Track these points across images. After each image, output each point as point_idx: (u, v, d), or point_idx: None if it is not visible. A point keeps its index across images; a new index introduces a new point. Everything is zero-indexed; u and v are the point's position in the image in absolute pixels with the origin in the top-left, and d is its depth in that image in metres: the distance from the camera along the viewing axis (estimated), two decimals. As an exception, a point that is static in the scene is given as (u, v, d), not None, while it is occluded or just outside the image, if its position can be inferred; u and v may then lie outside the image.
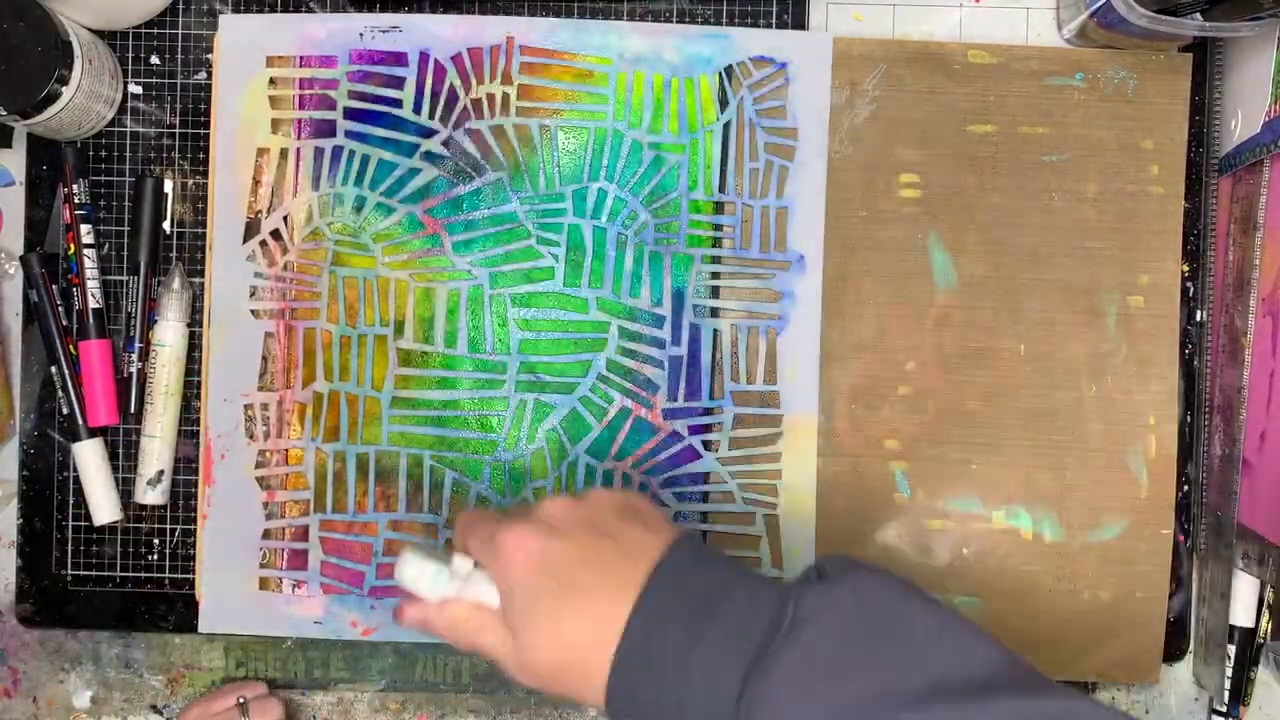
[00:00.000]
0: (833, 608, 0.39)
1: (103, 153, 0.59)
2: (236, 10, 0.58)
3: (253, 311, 0.58)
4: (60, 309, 0.58)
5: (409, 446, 0.58)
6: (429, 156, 0.58)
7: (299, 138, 0.58)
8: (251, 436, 0.58)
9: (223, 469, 0.58)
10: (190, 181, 0.59)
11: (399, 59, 0.58)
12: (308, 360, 0.58)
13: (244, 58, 0.58)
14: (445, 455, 0.58)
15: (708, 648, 0.40)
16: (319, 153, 0.58)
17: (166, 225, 0.59)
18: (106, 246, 0.59)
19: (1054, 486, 0.58)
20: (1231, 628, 0.57)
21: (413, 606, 0.46)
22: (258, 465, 0.58)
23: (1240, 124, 0.57)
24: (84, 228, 0.57)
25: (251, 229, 0.58)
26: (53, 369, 0.58)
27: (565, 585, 0.42)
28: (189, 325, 0.58)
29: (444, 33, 0.58)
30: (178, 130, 0.59)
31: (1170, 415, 0.59)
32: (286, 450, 0.58)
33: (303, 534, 0.58)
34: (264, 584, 0.58)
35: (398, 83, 0.58)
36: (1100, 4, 0.53)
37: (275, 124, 0.58)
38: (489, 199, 0.58)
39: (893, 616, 0.39)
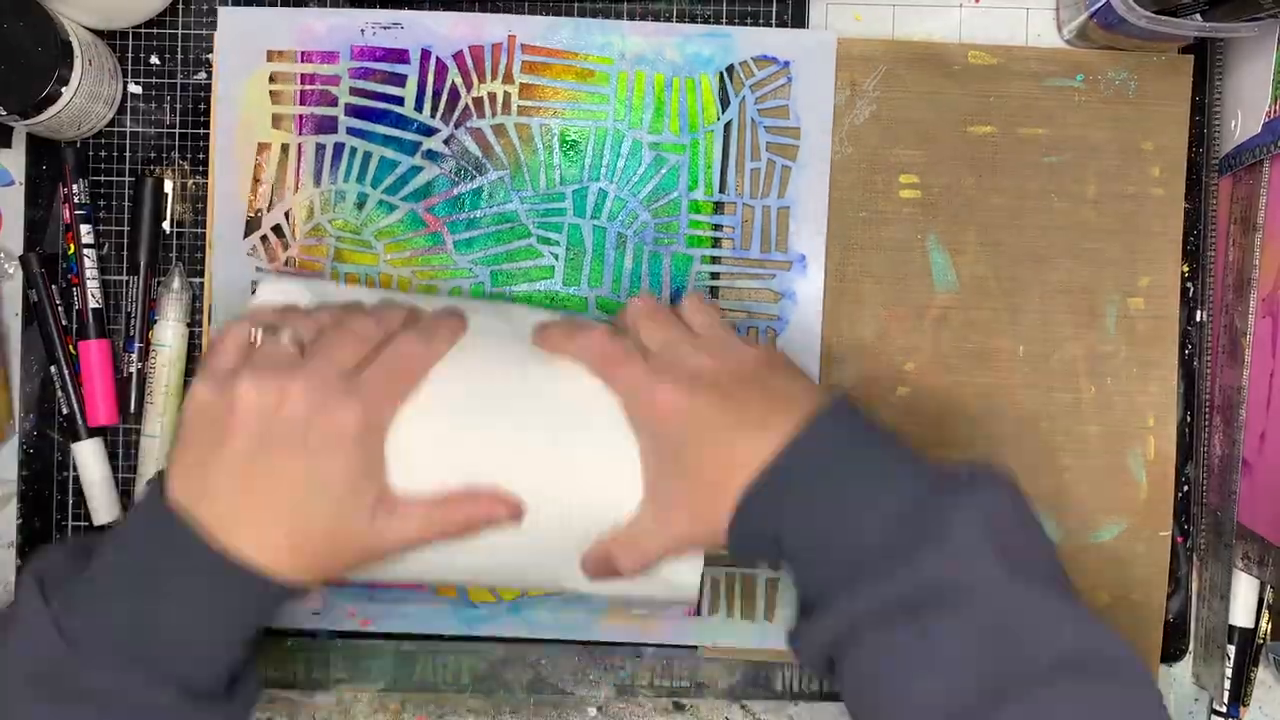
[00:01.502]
0: (1004, 488, 0.43)
1: (102, 153, 0.59)
2: (237, 5, 0.58)
3: (253, 310, 0.58)
4: (60, 309, 0.58)
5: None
6: (430, 155, 0.58)
7: (300, 133, 0.58)
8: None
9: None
10: (190, 181, 0.59)
11: (400, 56, 0.58)
12: (307, 360, 0.58)
13: (244, 52, 0.58)
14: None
15: (873, 466, 0.43)
16: (320, 149, 0.58)
17: (166, 225, 0.59)
18: (106, 246, 0.59)
19: (1053, 487, 0.58)
20: (1231, 628, 0.57)
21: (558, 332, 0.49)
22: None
23: (1240, 124, 0.57)
24: (84, 228, 0.57)
25: (252, 225, 0.58)
26: (52, 369, 0.58)
27: (714, 432, 0.44)
28: (189, 325, 0.58)
29: (445, 30, 0.58)
30: (178, 130, 0.59)
31: (1169, 417, 0.59)
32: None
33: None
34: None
35: (399, 80, 0.58)
36: (1100, 4, 0.53)
37: (276, 119, 0.58)
38: (490, 198, 0.58)
39: (1034, 515, 0.44)
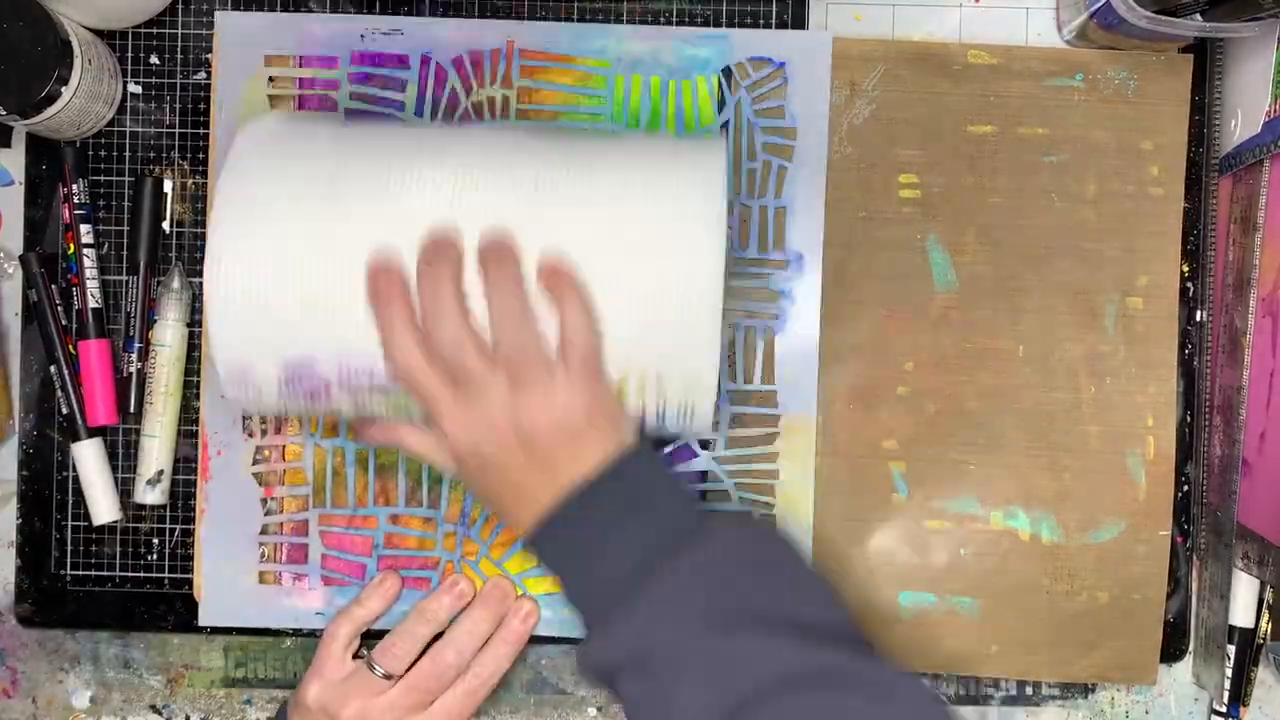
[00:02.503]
0: (735, 541, 0.46)
1: (102, 153, 0.59)
2: (236, 10, 0.58)
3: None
4: (60, 309, 0.58)
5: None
6: None
7: (298, 137, 0.58)
8: (249, 433, 0.58)
9: (220, 465, 0.58)
10: (190, 181, 0.59)
11: (400, 61, 0.58)
12: (307, 359, 0.58)
13: (242, 55, 0.58)
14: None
15: (630, 525, 0.46)
16: (318, 152, 0.58)
17: (166, 225, 0.59)
18: (106, 246, 0.59)
19: (1052, 488, 0.58)
20: (1231, 628, 0.57)
21: (376, 429, 0.51)
22: (255, 461, 0.58)
23: (1240, 124, 0.57)
24: (83, 227, 0.58)
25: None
26: (52, 369, 0.58)
27: (501, 480, 0.48)
28: (189, 325, 0.58)
29: (445, 36, 0.58)
30: (177, 130, 0.59)
31: (1169, 417, 0.58)
32: (284, 446, 0.58)
33: (302, 528, 0.58)
34: (263, 577, 0.58)
35: (399, 85, 0.58)
36: (1100, 4, 0.53)
37: (274, 122, 0.58)
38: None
39: (782, 560, 0.47)
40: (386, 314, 0.46)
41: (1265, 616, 0.57)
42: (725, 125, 0.58)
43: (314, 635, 0.58)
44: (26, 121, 0.53)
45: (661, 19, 0.59)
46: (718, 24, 0.59)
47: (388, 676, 0.55)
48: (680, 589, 0.44)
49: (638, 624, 0.44)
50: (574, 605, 0.48)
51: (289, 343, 0.46)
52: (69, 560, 0.59)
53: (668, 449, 0.58)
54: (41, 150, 0.59)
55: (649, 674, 0.43)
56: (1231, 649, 0.57)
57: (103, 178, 0.59)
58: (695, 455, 0.58)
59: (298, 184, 0.47)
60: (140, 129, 0.59)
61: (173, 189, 0.59)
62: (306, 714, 0.54)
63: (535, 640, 0.58)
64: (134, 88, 0.59)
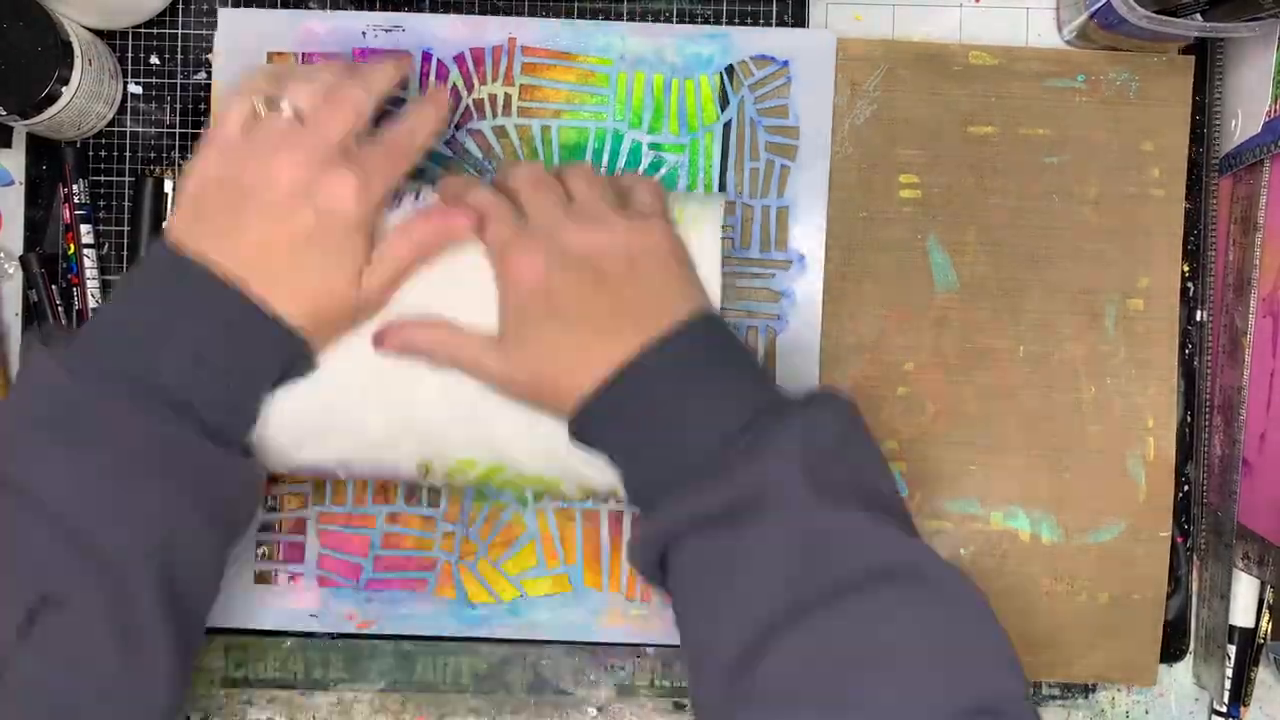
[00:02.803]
0: (833, 412, 0.44)
1: (102, 153, 0.59)
2: (238, 6, 0.58)
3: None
4: (60, 309, 0.58)
5: (407, 442, 0.58)
6: (432, 156, 0.58)
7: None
8: (250, 435, 0.58)
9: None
10: (190, 181, 0.59)
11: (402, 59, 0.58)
12: (307, 359, 0.58)
13: (244, 53, 0.58)
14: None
15: (715, 386, 0.44)
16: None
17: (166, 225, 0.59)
18: (106, 246, 0.59)
19: (1052, 488, 0.58)
20: (1231, 628, 0.57)
21: (393, 332, 0.48)
22: (256, 463, 0.58)
23: (1240, 124, 0.57)
24: (84, 228, 0.57)
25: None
26: (52, 369, 0.58)
27: (565, 321, 0.45)
28: (189, 325, 0.58)
29: (446, 33, 0.58)
30: (177, 130, 0.59)
31: (1169, 418, 0.58)
32: (284, 447, 0.58)
33: (300, 526, 0.58)
34: (260, 577, 0.58)
35: (401, 82, 0.58)
36: (1100, 4, 0.53)
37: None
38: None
39: (865, 433, 0.46)
40: (459, 181, 0.49)
41: (1265, 616, 0.57)
42: (728, 124, 0.58)
43: (313, 636, 0.58)
44: (27, 121, 0.53)
45: (663, 17, 0.59)
46: (718, 22, 0.59)
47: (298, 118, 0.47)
48: (789, 449, 0.42)
49: (747, 476, 0.42)
50: (646, 474, 0.45)
51: None
52: (69, 560, 0.59)
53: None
54: (42, 150, 0.59)
55: (758, 519, 0.41)
56: (1232, 649, 0.57)
57: (103, 178, 0.59)
58: (696, 455, 0.58)
59: None
60: (140, 129, 0.59)
61: (173, 189, 0.59)
62: (195, 186, 0.46)
63: (536, 641, 0.58)
64: (134, 88, 0.59)
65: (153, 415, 0.42)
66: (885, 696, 0.39)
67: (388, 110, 0.51)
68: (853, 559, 0.41)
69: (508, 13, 0.59)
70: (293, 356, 0.46)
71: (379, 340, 0.48)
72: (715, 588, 0.42)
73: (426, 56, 0.58)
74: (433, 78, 0.58)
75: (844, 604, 0.40)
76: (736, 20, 0.59)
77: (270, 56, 0.58)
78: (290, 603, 0.58)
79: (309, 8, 0.58)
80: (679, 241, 0.47)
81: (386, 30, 0.58)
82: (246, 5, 0.58)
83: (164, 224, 0.46)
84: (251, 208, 0.45)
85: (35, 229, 0.59)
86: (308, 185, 0.45)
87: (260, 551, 0.58)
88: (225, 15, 0.58)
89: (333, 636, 0.59)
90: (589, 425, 0.46)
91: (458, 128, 0.58)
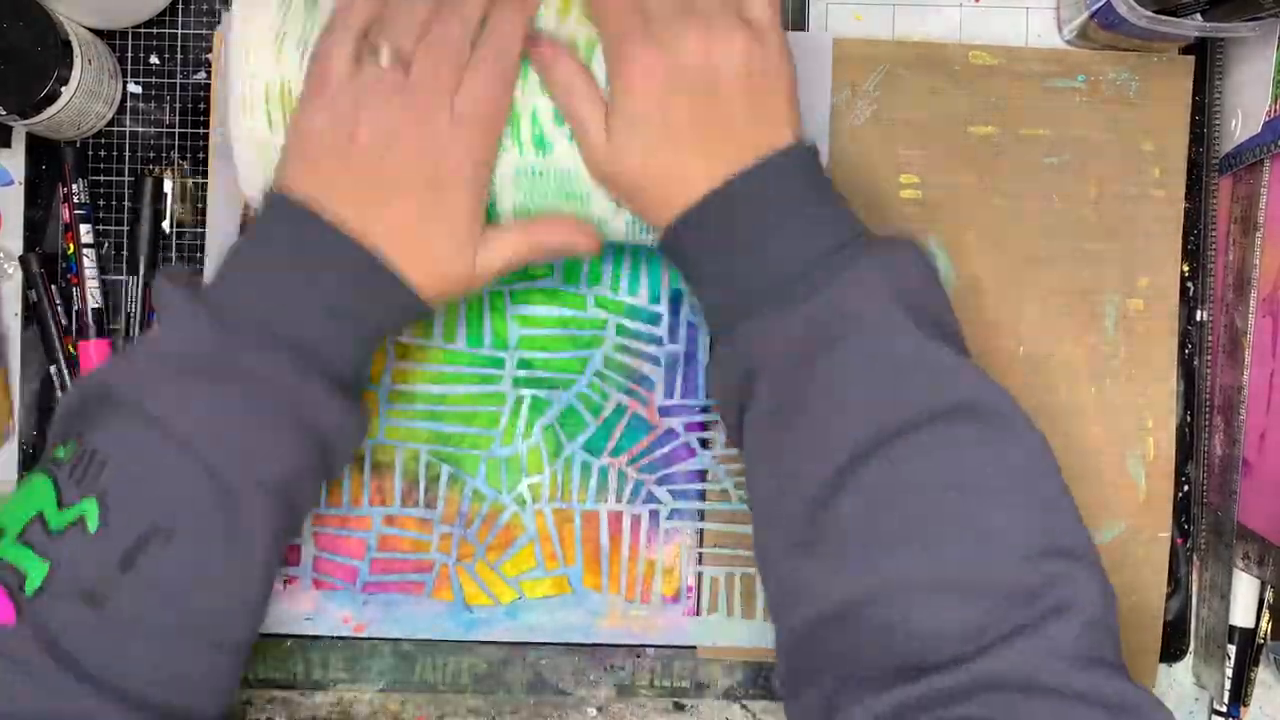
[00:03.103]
0: (914, 251, 0.45)
1: (102, 152, 0.59)
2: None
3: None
4: (59, 309, 0.58)
5: (405, 441, 0.58)
6: None
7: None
8: (250, 436, 0.58)
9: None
10: (190, 181, 0.59)
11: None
12: (307, 360, 0.58)
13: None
14: (441, 450, 0.58)
15: (807, 212, 0.45)
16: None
17: (166, 225, 0.59)
18: (106, 246, 0.59)
19: (1053, 487, 0.58)
20: (1231, 628, 0.57)
21: (546, 50, 0.46)
22: (256, 465, 0.58)
23: (1240, 124, 0.57)
24: (83, 227, 0.58)
25: (247, 226, 0.58)
26: (52, 369, 0.58)
27: (675, 135, 0.45)
28: (188, 325, 0.58)
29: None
30: (177, 130, 0.59)
31: (1168, 418, 0.58)
32: (285, 448, 0.58)
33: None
34: (260, 581, 0.58)
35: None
36: (1100, 4, 0.53)
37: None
38: (488, 198, 0.58)
39: (939, 279, 0.46)
40: None
41: (1265, 616, 0.57)
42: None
43: (311, 637, 0.58)
44: (26, 121, 0.53)
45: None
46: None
47: (401, 65, 0.45)
48: (878, 275, 0.42)
49: (840, 298, 0.42)
50: (731, 291, 0.45)
51: None
52: (69, 560, 0.59)
53: (665, 447, 0.58)
54: (41, 150, 0.59)
55: (843, 338, 0.42)
56: (1232, 649, 0.57)
57: (103, 178, 0.59)
58: (695, 454, 0.58)
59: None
60: (140, 129, 0.59)
61: (173, 189, 0.59)
62: (311, 141, 0.45)
63: (535, 641, 0.58)
64: (134, 88, 0.59)
65: (284, 365, 0.43)
66: (966, 534, 0.39)
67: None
68: (934, 390, 0.41)
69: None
70: (413, 315, 0.47)
71: (535, 42, 0.47)
72: (794, 418, 0.43)
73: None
74: None
75: (925, 436, 0.40)
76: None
77: None
78: (286, 606, 0.58)
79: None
80: (791, 62, 0.47)
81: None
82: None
83: (274, 170, 0.47)
84: (369, 168, 0.45)
85: (35, 229, 0.59)
86: (424, 149, 0.45)
87: (260, 552, 0.58)
88: (229, 19, 0.58)
89: (331, 638, 0.59)
90: (679, 240, 0.46)
91: None
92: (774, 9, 0.46)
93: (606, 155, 0.46)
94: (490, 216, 0.49)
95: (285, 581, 0.58)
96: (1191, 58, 0.58)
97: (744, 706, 0.59)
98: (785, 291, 0.43)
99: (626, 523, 0.58)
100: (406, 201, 0.45)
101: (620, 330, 0.58)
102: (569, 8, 0.48)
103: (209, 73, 0.58)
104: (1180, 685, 0.60)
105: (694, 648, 0.59)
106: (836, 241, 0.44)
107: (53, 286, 0.58)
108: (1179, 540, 0.59)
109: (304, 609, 0.58)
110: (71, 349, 0.58)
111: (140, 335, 0.45)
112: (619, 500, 0.58)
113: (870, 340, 0.42)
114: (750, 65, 0.45)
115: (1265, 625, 0.57)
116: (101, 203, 0.59)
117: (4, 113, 0.52)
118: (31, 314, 0.58)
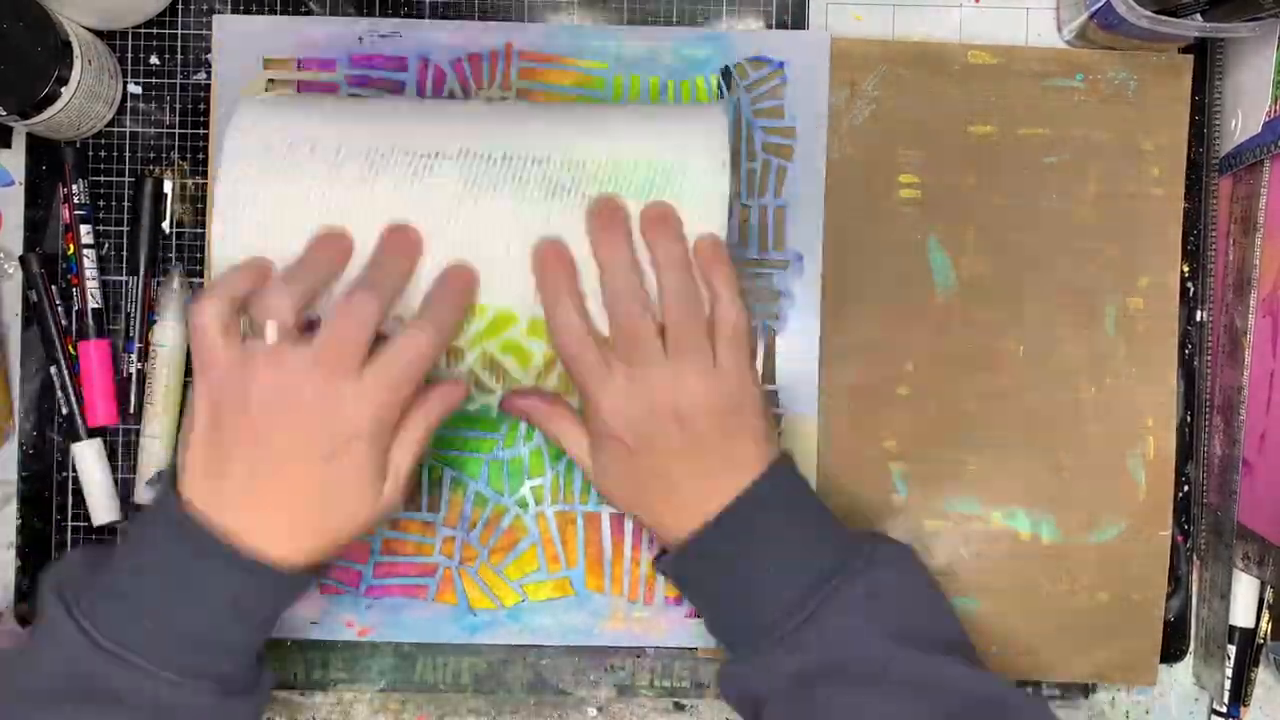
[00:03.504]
0: (896, 565, 0.47)
1: (102, 153, 0.59)
2: (235, 11, 0.58)
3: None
4: (59, 309, 0.58)
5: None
6: None
7: (298, 138, 0.58)
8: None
9: (222, 469, 0.58)
10: (190, 181, 0.59)
11: (399, 63, 0.58)
12: (307, 360, 0.58)
13: (241, 59, 0.58)
14: (443, 453, 0.58)
15: (793, 533, 0.46)
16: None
17: (166, 225, 0.59)
18: (106, 247, 0.59)
19: (1052, 488, 0.58)
20: (1231, 628, 0.57)
21: (523, 398, 0.51)
22: (257, 465, 0.58)
23: (1240, 124, 0.57)
24: (83, 228, 0.57)
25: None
26: (52, 369, 0.58)
27: (651, 482, 0.48)
28: (189, 325, 0.58)
29: (443, 39, 0.58)
30: (177, 130, 0.59)
31: (1168, 418, 0.58)
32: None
33: (301, 533, 0.58)
34: (262, 583, 0.58)
35: (397, 87, 0.58)
36: (1100, 5, 0.53)
37: (274, 124, 0.58)
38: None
39: (928, 581, 0.48)
40: (553, 282, 0.47)
41: (1265, 616, 0.57)
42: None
43: (312, 641, 0.58)
44: (26, 122, 0.53)
45: (663, 15, 0.59)
46: (717, 22, 0.59)
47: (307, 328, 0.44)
48: (863, 605, 0.45)
49: (830, 636, 0.44)
50: (728, 620, 0.48)
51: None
52: (69, 561, 0.59)
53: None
54: (41, 151, 0.59)
55: (844, 683, 0.44)
56: (1232, 649, 0.57)
57: (103, 178, 0.59)
58: (695, 455, 0.58)
59: (304, 152, 0.48)
60: (140, 129, 0.59)
61: (173, 189, 0.59)
62: (205, 421, 0.44)
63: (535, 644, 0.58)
64: (134, 88, 0.59)
65: (170, 686, 0.43)
66: None
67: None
68: (936, 700, 0.43)
69: (506, 18, 0.59)
70: (300, 586, 0.47)
71: (506, 402, 0.52)
72: None
73: (423, 62, 0.58)
74: (430, 85, 0.58)
75: None
76: (737, 17, 0.59)
77: (267, 62, 0.58)
78: (291, 611, 0.58)
79: (309, 12, 0.58)
80: (756, 382, 0.48)
81: (383, 36, 0.58)
82: (245, 12, 0.58)
83: (177, 468, 0.46)
84: (255, 454, 0.44)
85: (35, 229, 0.59)
86: (319, 429, 0.44)
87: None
88: (220, 22, 0.58)
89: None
90: (671, 569, 0.49)
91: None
92: (740, 350, 0.47)
93: (597, 485, 0.49)
94: None
95: None
96: (1191, 57, 0.58)
97: (744, 706, 0.59)
98: (778, 628, 0.45)
99: (629, 524, 0.58)
100: (293, 481, 0.44)
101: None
102: (539, 330, 0.50)
103: (209, 73, 0.58)
104: (1180, 685, 0.60)
105: (694, 648, 0.59)
106: (821, 573, 0.45)
107: (53, 287, 0.58)
108: (1179, 539, 0.59)
109: (308, 614, 0.58)
110: (72, 349, 0.58)
111: (18, 651, 0.45)
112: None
113: (864, 672, 0.44)
114: (722, 405, 0.47)
115: (1265, 625, 0.57)
116: (101, 203, 0.59)
117: (4, 113, 0.52)
118: (31, 314, 0.58)
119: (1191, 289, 0.59)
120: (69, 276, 0.58)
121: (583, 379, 0.47)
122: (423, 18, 0.58)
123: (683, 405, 0.46)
